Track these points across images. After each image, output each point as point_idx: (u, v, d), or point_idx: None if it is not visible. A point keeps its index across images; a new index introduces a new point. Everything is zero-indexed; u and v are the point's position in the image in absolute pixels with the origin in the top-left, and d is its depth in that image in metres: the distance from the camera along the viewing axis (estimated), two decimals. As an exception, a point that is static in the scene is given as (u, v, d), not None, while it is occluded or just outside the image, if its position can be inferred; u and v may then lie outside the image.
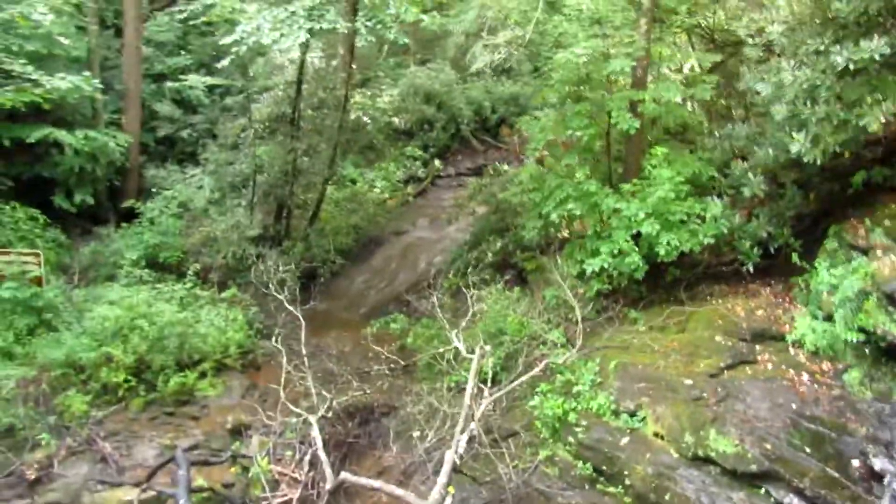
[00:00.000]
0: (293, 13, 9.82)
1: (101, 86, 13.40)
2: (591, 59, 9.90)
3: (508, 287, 11.45)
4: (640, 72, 10.10)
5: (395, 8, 10.08)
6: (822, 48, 8.02)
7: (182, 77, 17.33)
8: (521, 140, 21.79)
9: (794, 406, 7.31)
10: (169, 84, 18.96)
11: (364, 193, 20.26)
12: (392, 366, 11.42)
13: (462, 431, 7.14)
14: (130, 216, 16.16)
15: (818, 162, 8.16)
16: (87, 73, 13.24)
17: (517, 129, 22.20)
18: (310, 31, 9.66)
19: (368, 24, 10.21)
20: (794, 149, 8.26)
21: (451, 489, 6.38)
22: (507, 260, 13.27)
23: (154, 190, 16.70)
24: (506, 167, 17.63)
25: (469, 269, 13.99)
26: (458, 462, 6.96)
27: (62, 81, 11.68)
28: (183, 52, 20.69)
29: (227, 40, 10.22)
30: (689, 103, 11.45)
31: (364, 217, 18.02)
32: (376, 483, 6.28)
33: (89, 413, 9.30)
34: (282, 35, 9.70)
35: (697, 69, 10.93)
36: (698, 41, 11.45)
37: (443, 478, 6.29)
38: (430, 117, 22.96)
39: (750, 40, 9.59)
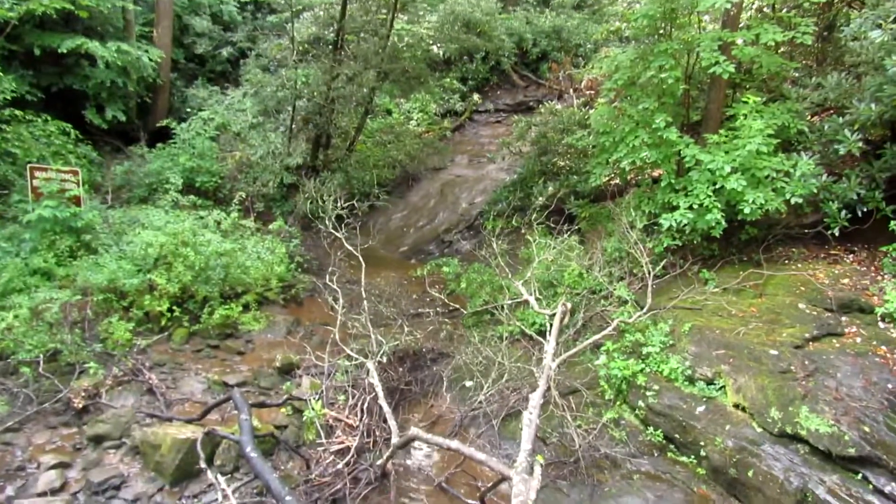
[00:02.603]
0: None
1: (137, -6, 12.60)
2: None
3: (559, 234, 10.86)
4: (735, 10, 9.25)
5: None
6: (959, -6, 7.21)
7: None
8: (567, 77, 20.85)
9: (889, 386, 6.83)
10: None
11: (400, 125, 19.53)
12: (438, 309, 11.04)
13: (538, 391, 6.66)
14: (161, 136, 15.60)
15: (936, 122, 7.45)
16: (125, -20, 12.39)
17: (564, 64, 21.24)
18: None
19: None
20: (909, 105, 7.53)
21: (539, 458, 5.94)
22: (559, 205, 12.65)
23: (189, 109, 16.03)
24: (558, 106, 16.75)
25: (514, 213, 13.50)
26: (539, 425, 6.53)
27: (101, -12, 10.88)
28: (215, -36, 19.66)
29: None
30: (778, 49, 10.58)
31: (401, 150, 17.35)
32: (452, 443, 5.85)
33: (132, 342, 8.98)
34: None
35: (794, 11, 10.04)
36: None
37: (526, 444, 5.84)
38: (471, 47, 21.84)
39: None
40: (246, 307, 10.21)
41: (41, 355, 8.05)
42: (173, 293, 9.48)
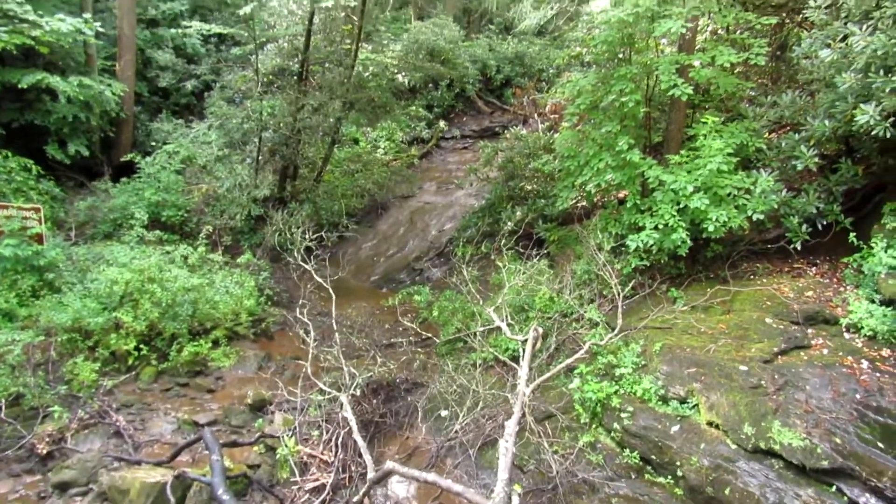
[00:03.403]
0: (321, -43, 9.03)
1: (101, 30, 12.50)
2: (636, 18, 9.27)
3: (529, 258, 10.91)
4: (690, 34, 9.48)
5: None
6: (903, 13, 7.47)
7: (185, 24, 16.34)
8: (531, 102, 21.13)
9: (858, 396, 6.93)
10: (172, 31, 17.95)
11: (368, 154, 19.56)
12: (411, 338, 10.98)
13: (513, 419, 6.63)
14: (125, 170, 15.42)
15: (888, 135, 7.67)
16: (86, 15, 12.29)
17: (528, 89, 21.52)
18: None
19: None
20: (861, 120, 7.74)
21: (517, 487, 5.90)
22: (527, 230, 12.72)
23: (154, 143, 15.89)
24: (523, 131, 16.94)
25: (484, 238, 13.55)
26: (515, 453, 6.49)
27: (62, 23, 10.78)
28: (177, -2, 19.68)
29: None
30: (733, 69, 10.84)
31: (369, 179, 17.36)
32: (429, 476, 5.77)
33: (99, 382, 8.77)
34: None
35: (747, 33, 10.31)
36: (750, 3, 10.83)
37: (503, 473, 5.80)
38: (435, 75, 22.04)
39: (812, 2, 8.96)
40: (215, 343, 10.06)
41: (2, 400, 7.84)
42: (140, 331, 9.31)
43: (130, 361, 9.28)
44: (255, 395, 8.83)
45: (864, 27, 7.91)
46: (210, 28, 15.79)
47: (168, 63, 18.52)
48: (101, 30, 13.83)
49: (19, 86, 13.43)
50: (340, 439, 7.62)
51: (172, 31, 18.83)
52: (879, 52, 7.59)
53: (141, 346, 9.35)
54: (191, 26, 16.15)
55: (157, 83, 18.85)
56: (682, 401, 7.58)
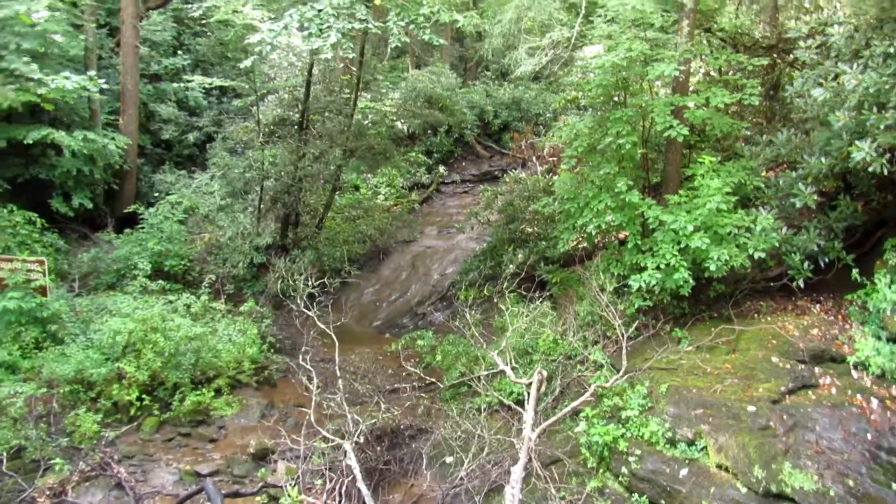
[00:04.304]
0: (320, 11, 9.24)
1: (105, 86, 12.75)
2: (630, 62, 9.45)
3: (531, 301, 10.90)
4: (683, 76, 9.65)
5: (428, 8, 9.53)
6: (891, 50, 7.61)
7: (188, 78, 16.64)
8: (529, 146, 21.38)
9: (869, 436, 6.86)
10: (174, 85, 18.28)
11: (369, 200, 19.72)
12: (415, 384, 10.89)
13: (519, 464, 6.54)
14: (129, 221, 15.52)
15: (885, 171, 7.73)
16: (91, 73, 12.55)
17: (526, 133, 21.79)
18: (340, 31, 9.07)
19: (401, 23, 9.67)
20: (857, 157, 7.81)
21: (524, 534, 5.80)
22: (529, 272, 12.73)
23: (157, 194, 16.05)
24: (522, 174, 17.11)
25: (486, 282, 13.56)
26: (522, 499, 6.39)
27: (67, 81, 10.99)
28: (179, 53, 20.08)
29: (252, 39, 9.60)
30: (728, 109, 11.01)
31: (371, 225, 17.47)
32: (435, 524, 5.69)
33: (100, 433, 8.70)
34: (310, 34, 9.14)
35: (739, 74, 10.51)
36: (741, 45, 11.06)
37: (510, 519, 5.71)
38: (434, 122, 22.37)
39: (802, 43, 9.14)
40: (218, 391, 9.99)
41: (4, 453, 7.77)
42: (143, 381, 9.27)
43: (132, 412, 9.21)
44: (258, 444, 8.74)
45: (855, 66, 8.06)
46: (212, 81, 16.08)
47: (171, 116, 18.81)
48: (105, 85, 14.09)
49: (25, 141, 13.62)
50: (344, 488, 7.50)
51: (175, 85, 19.17)
52: (871, 90, 7.71)
53: (143, 396, 9.29)
54: (193, 80, 16.45)
55: (160, 135, 19.12)
56: (690, 443, 7.48)
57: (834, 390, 7.66)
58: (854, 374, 7.89)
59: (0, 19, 11.82)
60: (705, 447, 7.33)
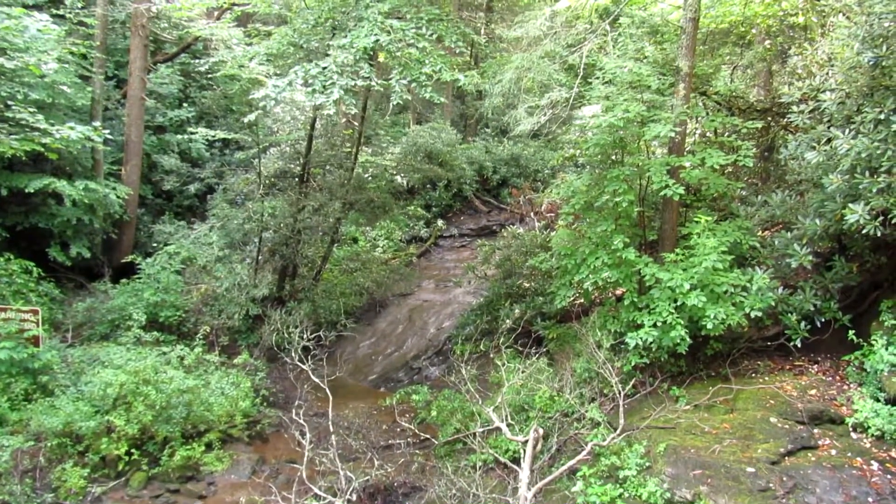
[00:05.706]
0: (325, 69, 9.46)
1: (109, 136, 12.90)
2: (627, 122, 9.63)
3: (528, 356, 10.83)
4: (679, 137, 9.82)
5: (430, 67, 9.77)
6: (882, 116, 7.78)
7: (192, 130, 16.88)
8: (527, 201, 21.58)
9: (870, 500, 6.74)
10: (178, 137, 18.54)
11: (367, 252, 19.78)
12: (409, 440, 10.72)
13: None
14: (126, 271, 15.49)
15: (878, 234, 7.81)
16: (96, 124, 12.73)
17: (524, 189, 22.03)
18: (343, 88, 9.27)
19: (404, 82, 9.88)
20: (851, 220, 7.91)
21: None
22: (526, 327, 12.70)
23: (156, 244, 16.07)
24: (520, 230, 17.22)
25: (482, 336, 13.49)
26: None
27: (72, 131, 11.15)
28: (185, 105, 20.42)
29: (256, 95, 9.79)
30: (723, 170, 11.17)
31: (368, 277, 17.46)
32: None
33: (87, 489, 8.51)
34: (314, 90, 9.33)
35: (734, 136, 10.70)
36: (736, 108, 11.29)
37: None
38: (433, 176, 22.63)
39: (795, 108, 9.35)
40: (209, 446, 9.81)
41: (-14, 509, 7.57)
42: (132, 434, 9.10)
43: (121, 466, 9.02)
44: (248, 502, 8.52)
45: (847, 131, 8.22)
46: (215, 134, 16.29)
47: (173, 167, 18.99)
48: (109, 136, 14.27)
49: (26, 190, 13.70)
50: (335, 549, 7.31)
51: (178, 136, 19.42)
52: (863, 155, 7.85)
53: (132, 450, 9.12)
54: (196, 132, 16.66)
55: (162, 186, 19.25)
56: (690, 504, 7.34)
57: (834, 452, 7.57)
58: (853, 435, 7.81)
59: (10, 70, 12.09)
60: (705, 510, 7.19)
